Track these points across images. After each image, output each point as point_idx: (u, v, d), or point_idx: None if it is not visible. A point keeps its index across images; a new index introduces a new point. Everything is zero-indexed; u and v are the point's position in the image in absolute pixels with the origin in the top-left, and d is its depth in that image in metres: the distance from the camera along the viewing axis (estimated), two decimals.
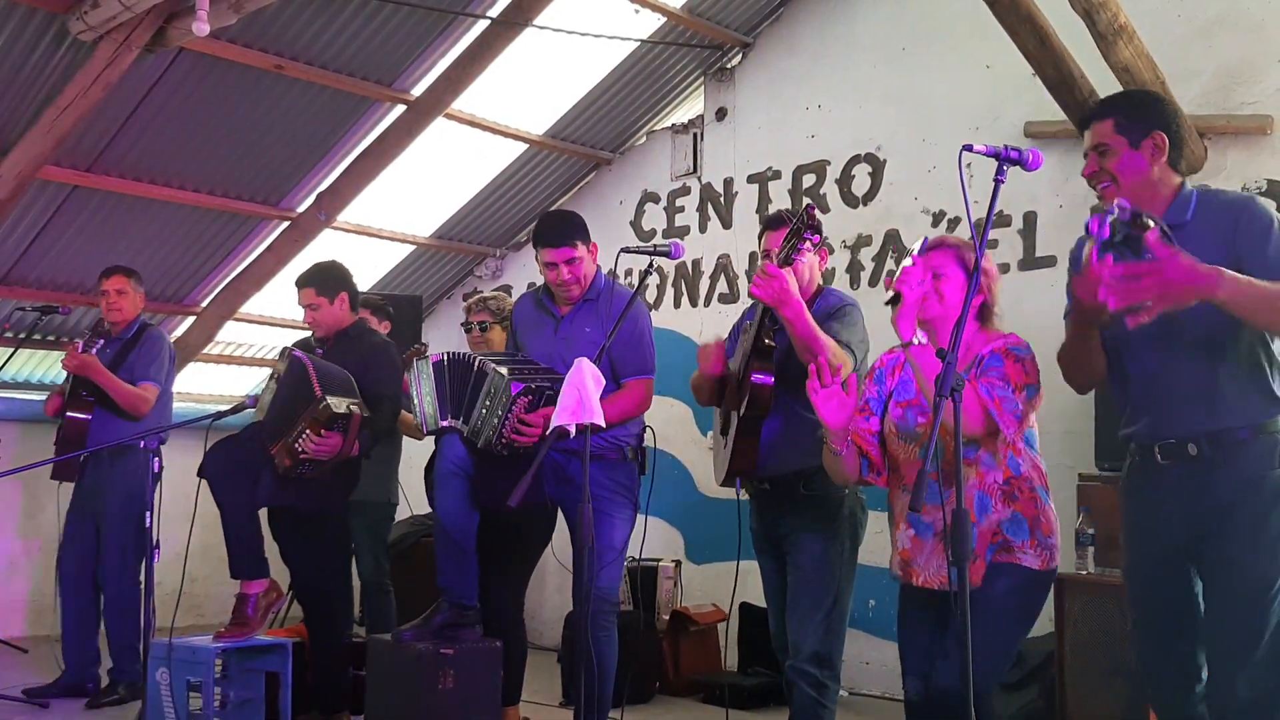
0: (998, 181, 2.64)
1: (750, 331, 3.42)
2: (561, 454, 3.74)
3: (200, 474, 4.36)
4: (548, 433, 3.33)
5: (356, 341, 4.63)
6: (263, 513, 4.53)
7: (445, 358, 4.05)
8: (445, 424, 3.97)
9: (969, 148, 2.65)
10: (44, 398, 5.61)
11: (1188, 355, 2.68)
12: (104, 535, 5.19)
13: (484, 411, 3.84)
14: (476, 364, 3.92)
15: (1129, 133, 2.75)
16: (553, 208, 7.50)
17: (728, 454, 3.53)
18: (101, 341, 5.24)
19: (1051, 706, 4.59)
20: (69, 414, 5.20)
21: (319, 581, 4.58)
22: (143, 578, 4.30)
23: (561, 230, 3.96)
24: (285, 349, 4.58)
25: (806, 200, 3.61)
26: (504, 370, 3.81)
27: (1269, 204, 2.77)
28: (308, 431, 4.18)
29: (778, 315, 3.30)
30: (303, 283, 4.65)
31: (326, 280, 4.63)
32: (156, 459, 4.22)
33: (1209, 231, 2.66)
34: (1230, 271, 2.46)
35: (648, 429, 4.00)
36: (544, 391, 3.79)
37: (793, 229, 3.30)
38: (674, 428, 6.24)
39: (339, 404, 4.22)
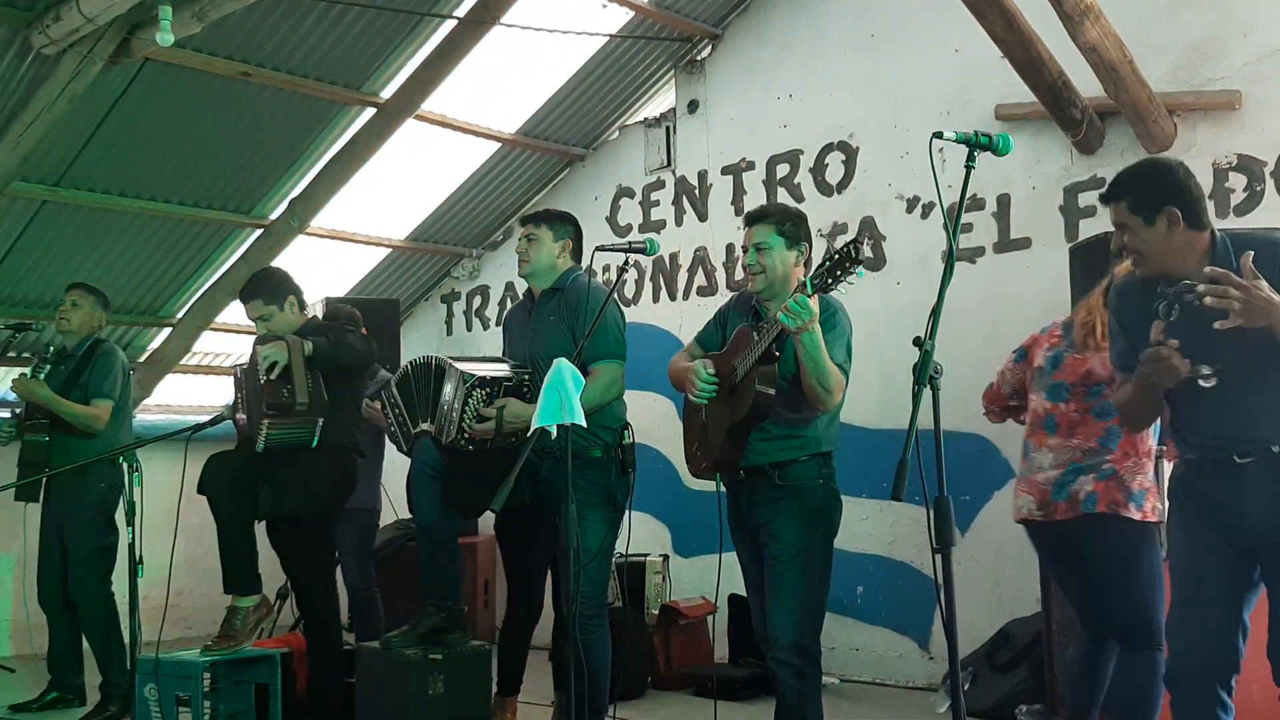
0: (969, 168, 2.66)
1: (762, 342, 3.34)
2: (534, 454, 3.70)
3: (200, 490, 4.34)
4: (529, 434, 3.31)
5: (307, 329, 4.57)
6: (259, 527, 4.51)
7: (409, 366, 4.07)
8: (417, 429, 3.99)
9: (939, 135, 2.66)
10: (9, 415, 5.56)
11: (1258, 376, 2.79)
12: (70, 552, 5.16)
13: (445, 408, 3.87)
14: (435, 363, 3.98)
15: (1142, 211, 2.87)
16: (527, 205, 7.48)
17: (713, 448, 3.52)
18: (49, 367, 5.19)
19: (1041, 686, 4.62)
20: (26, 436, 5.17)
21: (321, 588, 4.56)
22: (128, 592, 4.27)
23: (543, 214, 4.23)
24: (237, 369, 4.57)
25: (858, 237, 3.49)
26: (460, 365, 3.89)
27: None
28: (258, 361, 4.23)
29: (795, 341, 3.27)
30: (248, 296, 4.56)
31: (272, 288, 4.55)
32: (136, 472, 4.20)
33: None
34: None
35: (628, 426, 3.98)
36: (501, 383, 3.85)
37: (836, 260, 3.14)
38: (656, 422, 6.24)
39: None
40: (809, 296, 3.18)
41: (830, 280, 3.15)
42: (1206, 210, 2.92)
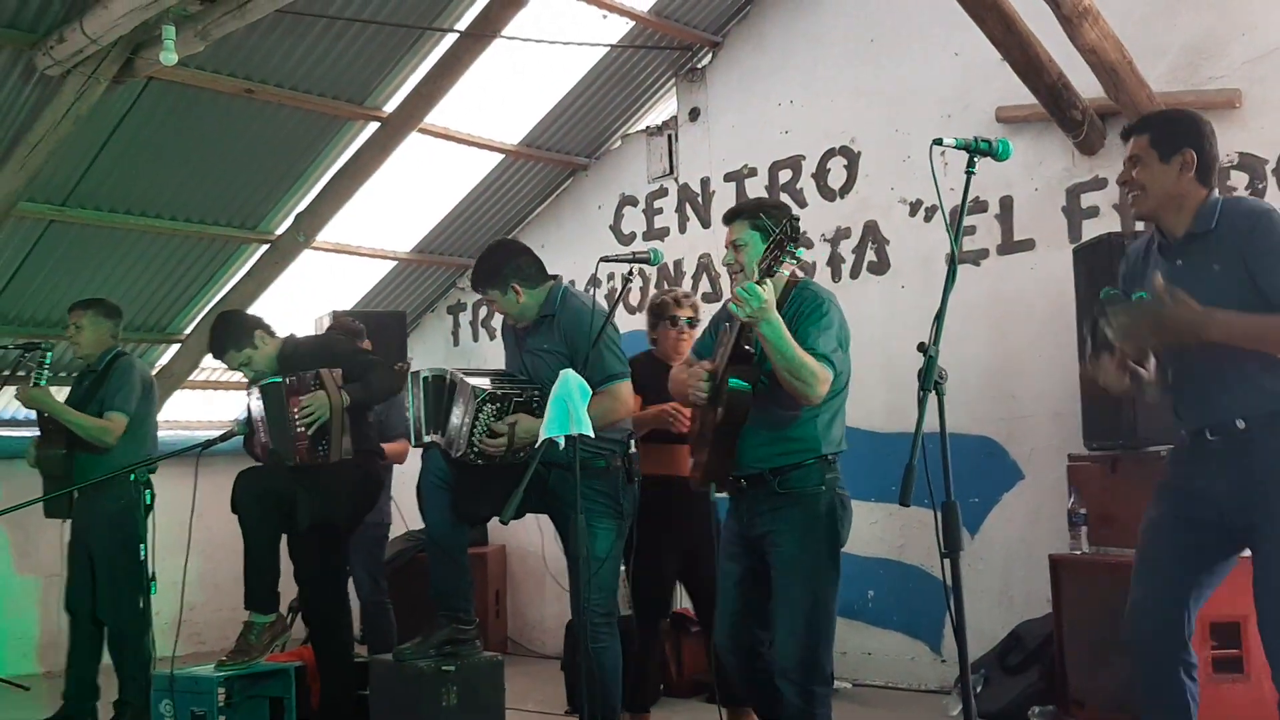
0: (969, 174, 2.67)
1: (730, 337, 3.32)
2: (542, 465, 3.70)
3: (233, 508, 4.39)
4: (536, 445, 3.32)
5: (295, 358, 4.59)
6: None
7: (430, 375, 4.09)
8: (428, 439, 4.01)
9: (939, 142, 2.67)
10: (31, 434, 5.55)
11: (1226, 352, 2.83)
12: (96, 569, 5.16)
13: (456, 421, 3.88)
14: (449, 377, 3.98)
15: (1161, 147, 2.95)
16: (532, 215, 7.52)
17: (704, 456, 3.44)
18: (47, 372, 5.16)
19: (1052, 687, 4.62)
20: (42, 451, 5.16)
21: (334, 599, 4.59)
22: (142, 608, 4.29)
23: (476, 278, 4.12)
24: (254, 388, 4.58)
25: (791, 210, 3.44)
26: (472, 380, 3.88)
27: None
28: (294, 411, 4.27)
29: (756, 333, 3.18)
30: (218, 352, 4.64)
31: (236, 335, 4.60)
32: (147, 489, 4.22)
33: (1231, 238, 2.85)
34: (1221, 314, 2.74)
35: (632, 437, 3.97)
36: (511, 398, 3.84)
37: (774, 240, 3.12)
38: None
39: (300, 372, 4.37)
40: (758, 283, 3.09)
41: (771, 263, 3.10)
42: (1216, 173, 2.99)
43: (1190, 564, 2.95)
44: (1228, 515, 2.89)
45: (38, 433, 5.26)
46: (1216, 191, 2.97)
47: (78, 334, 5.23)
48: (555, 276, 4.12)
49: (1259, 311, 2.77)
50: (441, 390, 3.99)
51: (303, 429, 4.28)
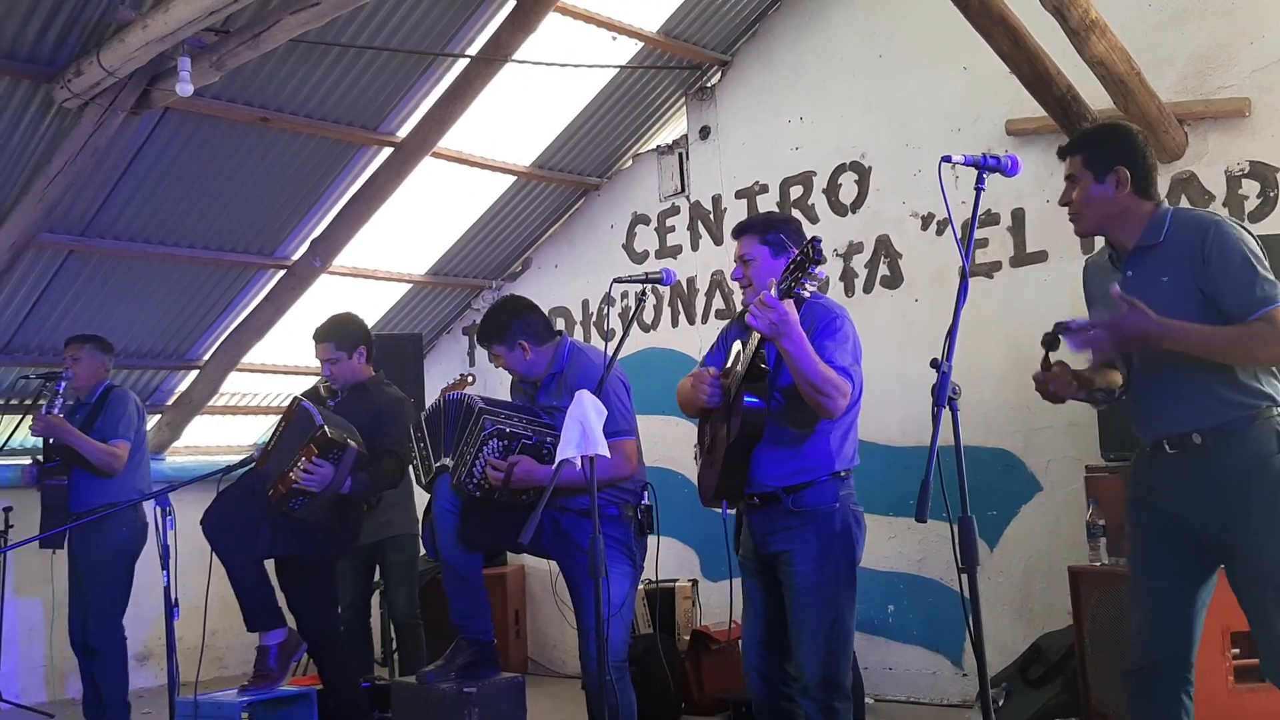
0: (978, 190, 2.69)
1: (745, 354, 3.29)
2: (555, 509, 3.62)
3: (201, 523, 4.40)
4: (553, 466, 3.31)
5: (372, 395, 4.66)
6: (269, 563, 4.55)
7: (441, 401, 4.10)
8: (439, 464, 3.99)
9: (948, 159, 2.69)
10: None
11: (1181, 362, 2.85)
12: (90, 599, 5.19)
13: (464, 448, 3.88)
14: (466, 402, 3.98)
15: (1094, 167, 2.98)
16: (545, 235, 7.57)
17: (715, 474, 3.41)
18: (61, 400, 5.22)
19: (1075, 699, 4.60)
20: (46, 481, 5.22)
21: (327, 629, 4.60)
22: (165, 634, 4.31)
23: (483, 334, 4.11)
24: (295, 398, 4.60)
25: (802, 225, 3.42)
26: (488, 413, 3.86)
27: (1234, 227, 2.88)
28: (302, 459, 4.23)
29: (776, 346, 3.16)
30: (322, 338, 4.66)
31: (346, 335, 4.66)
32: (170, 518, 4.25)
33: (1182, 249, 2.87)
34: (1176, 325, 2.76)
35: (648, 487, 3.94)
36: (519, 439, 3.82)
37: (796, 261, 3.08)
38: (679, 446, 6.26)
39: (337, 434, 4.29)
40: (778, 297, 3.07)
41: (792, 283, 3.08)
42: (1156, 182, 3.00)
43: (1179, 584, 2.91)
44: (1195, 529, 2.87)
45: (39, 459, 5.33)
46: (1166, 203, 2.99)
47: (75, 365, 5.36)
48: (560, 333, 4.14)
49: (1210, 322, 2.80)
50: (458, 414, 3.99)
51: (294, 477, 4.24)
